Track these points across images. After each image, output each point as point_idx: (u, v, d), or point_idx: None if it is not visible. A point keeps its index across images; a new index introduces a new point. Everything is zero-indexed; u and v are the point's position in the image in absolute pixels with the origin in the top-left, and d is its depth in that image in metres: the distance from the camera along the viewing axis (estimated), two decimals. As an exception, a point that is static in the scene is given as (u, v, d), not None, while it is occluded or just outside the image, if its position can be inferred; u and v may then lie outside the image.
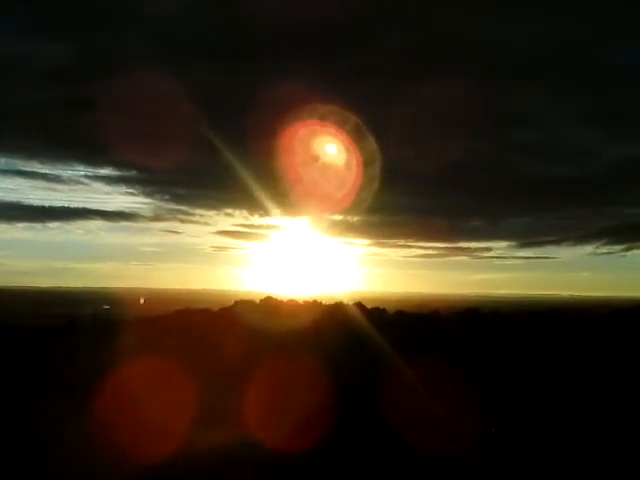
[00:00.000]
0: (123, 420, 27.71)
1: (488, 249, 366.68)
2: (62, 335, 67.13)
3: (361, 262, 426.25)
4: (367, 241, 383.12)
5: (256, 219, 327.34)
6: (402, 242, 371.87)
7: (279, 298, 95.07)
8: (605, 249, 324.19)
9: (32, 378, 41.55)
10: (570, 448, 27.29)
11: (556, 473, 24.53)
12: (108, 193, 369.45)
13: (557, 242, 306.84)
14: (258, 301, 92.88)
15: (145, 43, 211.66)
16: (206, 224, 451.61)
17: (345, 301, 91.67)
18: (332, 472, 25.32)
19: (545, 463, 25.34)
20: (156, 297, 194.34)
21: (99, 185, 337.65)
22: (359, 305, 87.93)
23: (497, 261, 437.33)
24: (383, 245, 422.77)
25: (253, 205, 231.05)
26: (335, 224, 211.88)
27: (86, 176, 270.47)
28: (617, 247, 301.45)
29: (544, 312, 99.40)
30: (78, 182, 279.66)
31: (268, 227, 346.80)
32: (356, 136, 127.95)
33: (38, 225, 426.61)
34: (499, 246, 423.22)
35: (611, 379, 42.15)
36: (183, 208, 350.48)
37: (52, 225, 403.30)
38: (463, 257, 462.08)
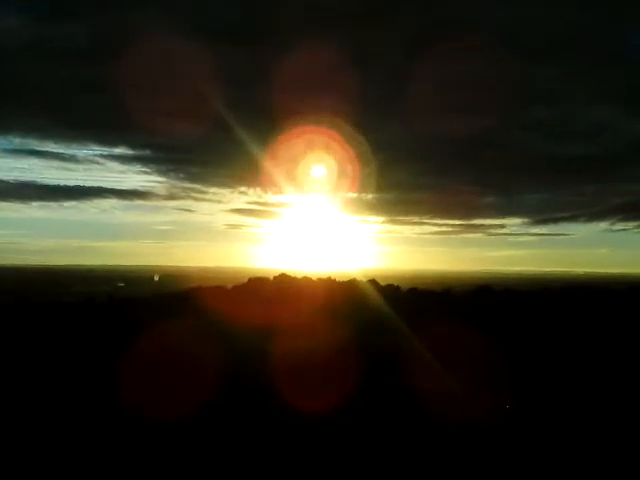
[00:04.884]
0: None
1: (502, 226, 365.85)
2: (81, 312, 68.00)
3: (375, 239, 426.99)
4: (381, 218, 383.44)
5: (270, 197, 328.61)
6: (416, 219, 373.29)
7: (293, 275, 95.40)
8: (620, 225, 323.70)
9: (54, 353, 42.38)
10: (583, 425, 27.21)
11: (562, 455, 24.39)
12: (123, 172, 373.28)
13: (571, 219, 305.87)
14: (272, 278, 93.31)
15: (158, 22, 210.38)
16: (220, 202, 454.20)
17: (359, 278, 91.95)
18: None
19: (553, 443, 25.20)
20: (170, 275, 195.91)
21: (114, 164, 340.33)
22: (373, 282, 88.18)
23: (511, 238, 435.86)
24: (397, 222, 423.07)
25: (267, 183, 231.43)
26: (349, 201, 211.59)
27: (101, 155, 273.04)
28: (632, 224, 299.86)
29: (558, 289, 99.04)
30: (93, 161, 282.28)
31: (282, 205, 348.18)
32: (371, 114, 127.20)
33: (53, 204, 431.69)
34: (513, 223, 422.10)
35: (627, 355, 42.05)
36: (197, 186, 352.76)
37: (67, 204, 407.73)
38: (477, 234, 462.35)
